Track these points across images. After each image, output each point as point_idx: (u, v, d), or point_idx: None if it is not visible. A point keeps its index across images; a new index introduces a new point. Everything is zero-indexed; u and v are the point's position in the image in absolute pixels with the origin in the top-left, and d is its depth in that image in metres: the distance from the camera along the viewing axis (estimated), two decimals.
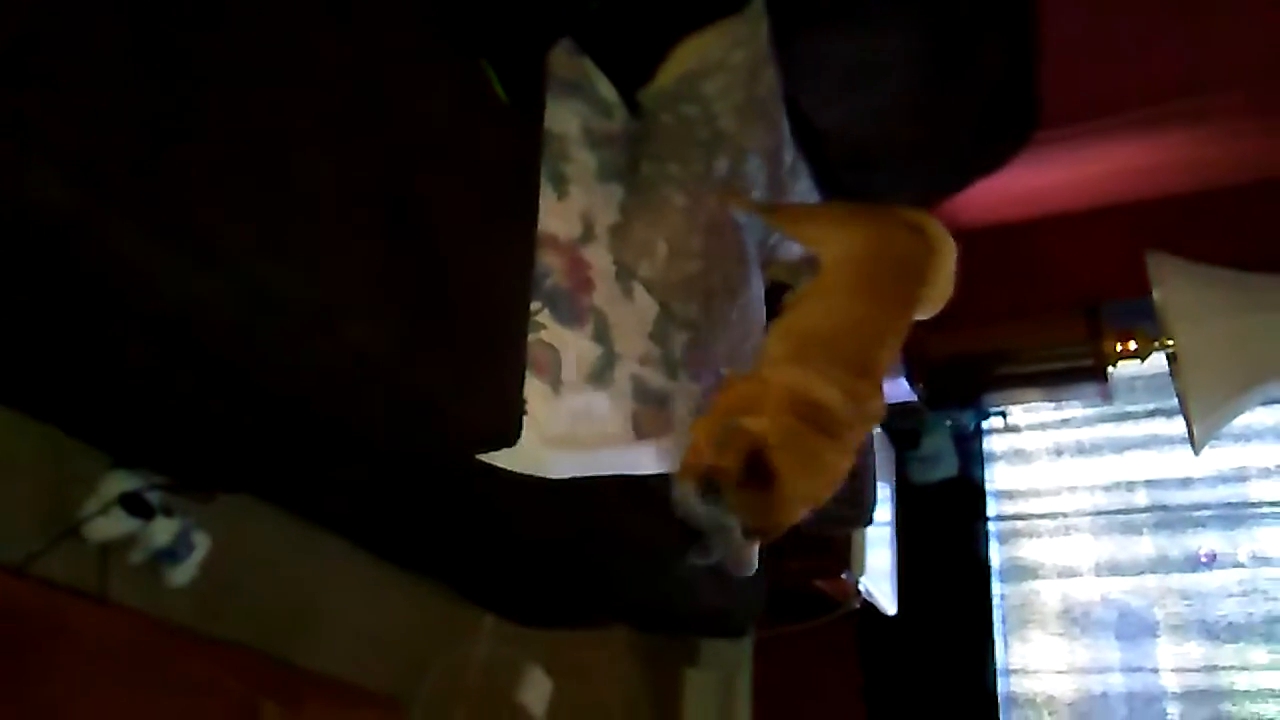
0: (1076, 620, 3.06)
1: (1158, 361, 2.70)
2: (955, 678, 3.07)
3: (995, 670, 3.04)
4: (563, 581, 1.83)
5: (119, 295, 0.96)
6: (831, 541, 2.69)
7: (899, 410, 3.13)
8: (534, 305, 1.39)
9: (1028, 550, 3.19)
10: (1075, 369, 2.91)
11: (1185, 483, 3.07)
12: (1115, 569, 3.07)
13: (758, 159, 1.86)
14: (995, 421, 3.33)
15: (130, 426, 1.33)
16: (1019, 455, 3.35)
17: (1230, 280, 2.53)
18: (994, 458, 3.35)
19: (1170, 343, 2.53)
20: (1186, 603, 2.94)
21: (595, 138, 1.66)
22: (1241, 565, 2.93)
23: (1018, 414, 3.35)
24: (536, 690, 2.28)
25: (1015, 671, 3.06)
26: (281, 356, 1.06)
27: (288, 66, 1.04)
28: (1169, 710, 2.85)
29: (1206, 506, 3.02)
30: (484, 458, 1.30)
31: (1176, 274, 2.52)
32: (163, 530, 1.43)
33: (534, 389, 1.35)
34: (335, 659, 1.78)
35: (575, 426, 1.44)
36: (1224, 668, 2.83)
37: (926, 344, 3.07)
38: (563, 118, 1.59)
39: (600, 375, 1.51)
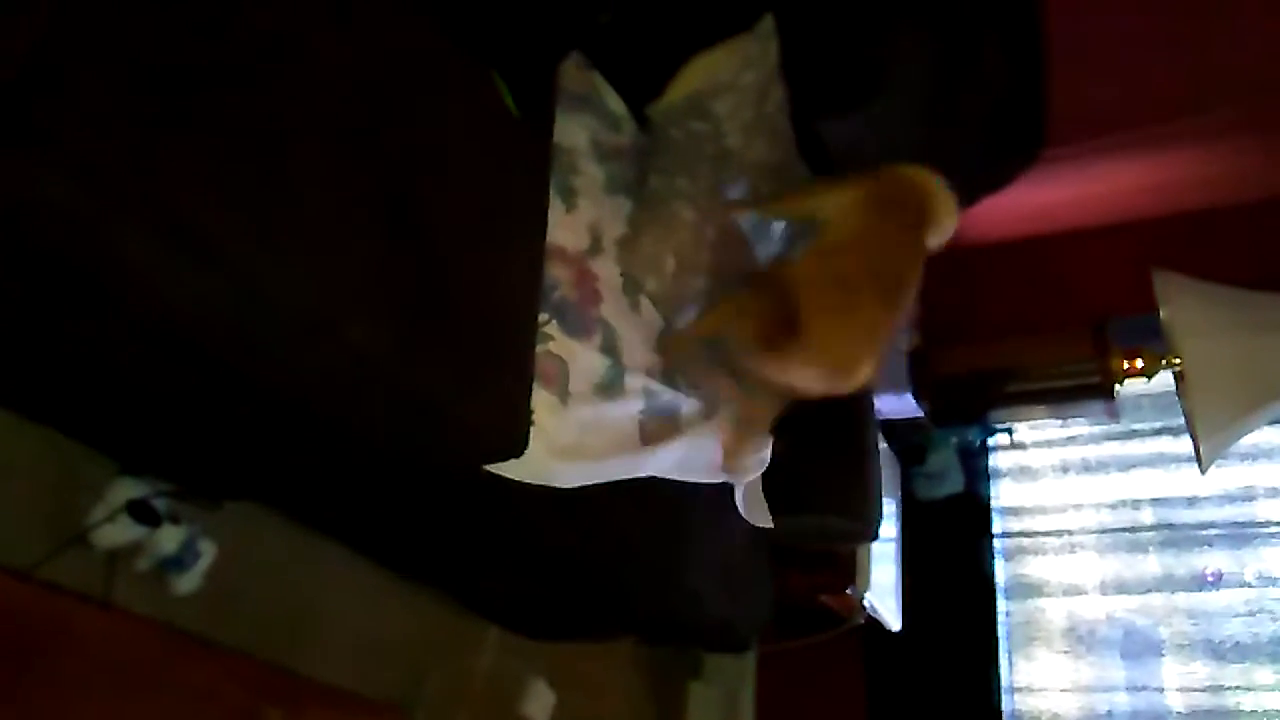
0: (1082, 638, 3.05)
1: (1164, 379, 2.69)
2: (960, 695, 3.06)
3: (1000, 688, 3.03)
4: (570, 591, 1.82)
5: (119, 295, 0.96)
6: (836, 557, 2.69)
7: (905, 426, 3.14)
8: (542, 317, 1.39)
9: (1033, 567, 3.18)
10: (1082, 386, 2.91)
11: (1191, 501, 3.06)
12: (1121, 587, 3.06)
13: (765, 175, 1.86)
14: (1001, 438, 3.32)
15: (136, 432, 1.33)
16: (1025, 472, 3.34)
17: (1237, 299, 2.52)
18: (1000, 474, 3.34)
19: (1177, 361, 2.52)
20: (1192, 622, 2.93)
21: (604, 151, 1.66)
22: (1248, 585, 2.91)
23: (1024, 431, 3.35)
24: (539, 702, 2.28)
25: (1020, 689, 3.05)
26: (281, 356, 1.06)
27: (288, 66, 1.04)
28: None
29: (1213, 525, 3.00)
30: (491, 468, 1.30)
31: (1183, 292, 2.52)
32: (169, 538, 1.43)
33: (542, 400, 1.35)
34: (338, 667, 1.78)
35: (583, 437, 1.44)
36: (1229, 688, 2.82)
37: (933, 360, 3.08)
38: (572, 130, 1.59)
39: (609, 387, 1.51)
